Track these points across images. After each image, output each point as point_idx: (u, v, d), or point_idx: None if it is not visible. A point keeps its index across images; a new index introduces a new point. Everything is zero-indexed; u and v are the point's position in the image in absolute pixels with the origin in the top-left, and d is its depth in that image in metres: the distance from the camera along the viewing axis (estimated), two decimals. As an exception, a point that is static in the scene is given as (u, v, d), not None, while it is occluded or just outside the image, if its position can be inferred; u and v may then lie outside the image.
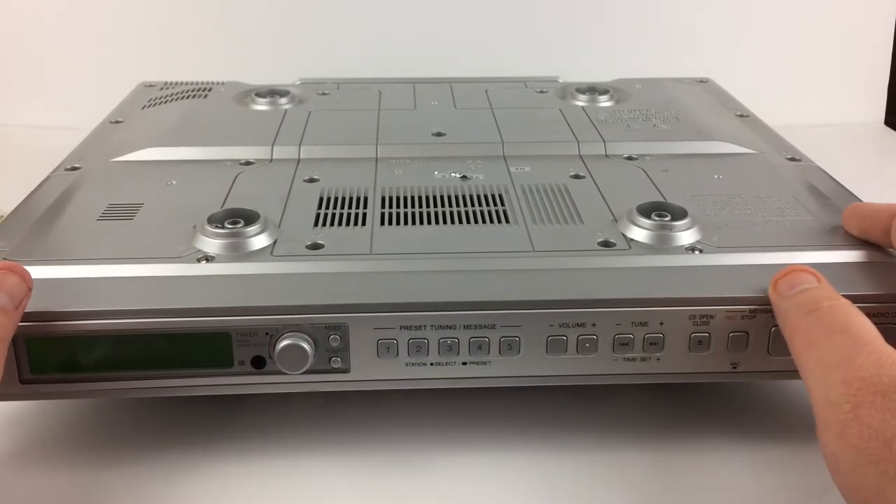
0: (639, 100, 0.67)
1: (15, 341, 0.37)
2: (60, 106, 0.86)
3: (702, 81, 0.75)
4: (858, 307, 0.34)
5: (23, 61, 0.87)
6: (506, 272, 0.40)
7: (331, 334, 0.38)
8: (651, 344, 0.39)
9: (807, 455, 0.41)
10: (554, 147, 0.57)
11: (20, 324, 0.36)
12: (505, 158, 0.55)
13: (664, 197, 0.48)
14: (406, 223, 0.45)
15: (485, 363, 0.39)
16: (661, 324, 0.39)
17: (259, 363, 0.38)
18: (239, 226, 0.42)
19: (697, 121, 0.62)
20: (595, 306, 0.38)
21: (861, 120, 0.91)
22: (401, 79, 0.73)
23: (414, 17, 0.87)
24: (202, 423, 0.43)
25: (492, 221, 0.46)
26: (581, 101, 0.66)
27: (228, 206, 0.46)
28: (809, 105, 0.89)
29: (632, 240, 0.43)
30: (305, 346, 0.38)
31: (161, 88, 0.71)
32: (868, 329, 0.32)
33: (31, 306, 0.37)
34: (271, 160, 0.55)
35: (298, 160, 0.55)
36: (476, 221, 0.46)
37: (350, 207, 0.47)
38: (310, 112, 0.63)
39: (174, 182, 0.51)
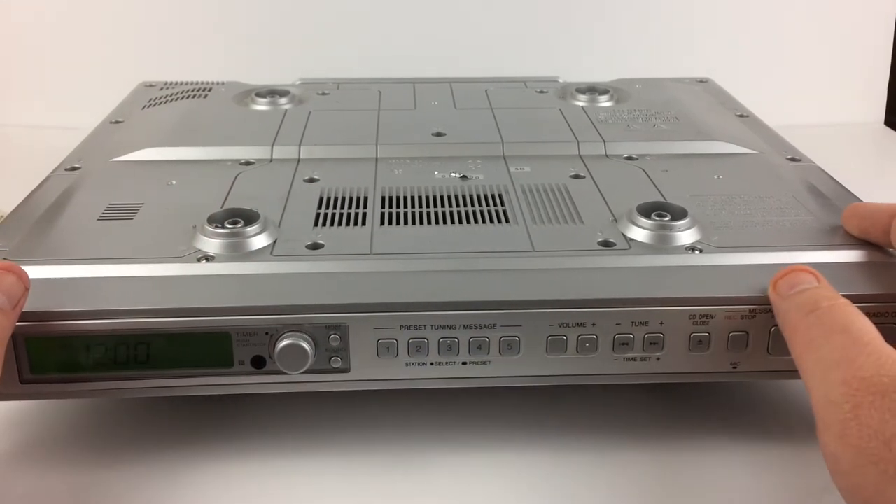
0: (639, 100, 0.67)
1: (15, 341, 0.37)
2: (60, 106, 0.86)
3: (702, 81, 0.75)
4: (858, 307, 0.34)
5: (23, 61, 0.87)
6: (506, 272, 0.40)
7: (331, 334, 0.38)
8: (651, 344, 0.39)
9: (807, 455, 0.41)
10: (554, 147, 0.57)
11: (20, 323, 0.36)
12: (505, 158, 0.55)
13: (664, 197, 0.48)
14: (406, 223, 0.45)
15: (485, 363, 0.39)
16: (661, 324, 0.39)
17: (259, 363, 0.38)
18: (239, 226, 0.42)
19: (697, 121, 0.62)
20: (595, 306, 0.38)
21: (861, 120, 0.91)
22: (401, 79, 0.73)
23: (414, 17, 0.87)
24: (202, 423, 0.43)
25: (492, 221, 0.46)
26: (581, 101, 0.66)
27: (228, 205, 0.46)
28: (809, 105, 0.89)
29: (632, 240, 0.43)
30: (305, 345, 0.38)
31: (161, 88, 0.71)
32: (868, 329, 0.32)
33: (31, 306, 0.37)
34: (271, 160, 0.55)
35: (298, 160, 0.55)
36: (476, 221, 0.46)
37: (350, 207, 0.47)
38: (310, 112, 0.63)
39: (174, 182, 0.51)
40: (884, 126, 0.92)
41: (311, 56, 0.86)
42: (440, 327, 0.38)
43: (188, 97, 0.68)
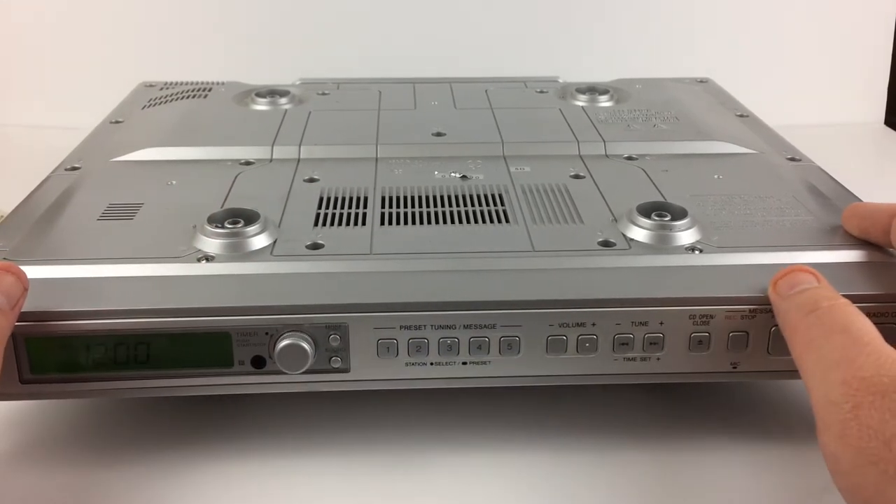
0: (639, 100, 0.67)
1: (15, 341, 0.37)
2: (60, 106, 0.86)
3: (702, 81, 0.75)
4: (858, 307, 0.34)
5: (23, 61, 0.87)
6: (506, 272, 0.40)
7: (331, 334, 0.38)
8: (651, 344, 0.39)
9: (807, 455, 0.41)
10: (554, 147, 0.57)
11: (21, 323, 0.36)
12: (505, 158, 0.55)
13: (664, 197, 0.48)
14: (406, 223, 0.45)
15: (485, 363, 0.39)
16: (661, 323, 0.39)
17: (259, 363, 0.38)
18: (239, 226, 0.42)
19: (697, 121, 0.62)
20: (595, 306, 0.38)
21: (861, 120, 0.91)
22: (401, 79, 0.73)
23: (414, 17, 0.87)
24: (202, 423, 0.43)
25: (492, 221, 0.46)
26: (581, 101, 0.66)
27: (228, 205, 0.46)
28: (809, 105, 0.89)
29: (632, 239, 0.43)
30: (305, 345, 0.38)
31: (161, 88, 0.71)
32: (868, 329, 0.32)
33: (32, 306, 0.37)
34: (271, 160, 0.55)
35: (298, 160, 0.55)
36: (476, 221, 0.46)
37: (350, 207, 0.47)
38: (310, 112, 0.63)
39: (174, 182, 0.51)
40: (884, 126, 0.92)
41: (311, 56, 0.86)
42: (440, 327, 0.38)
43: (188, 97, 0.68)
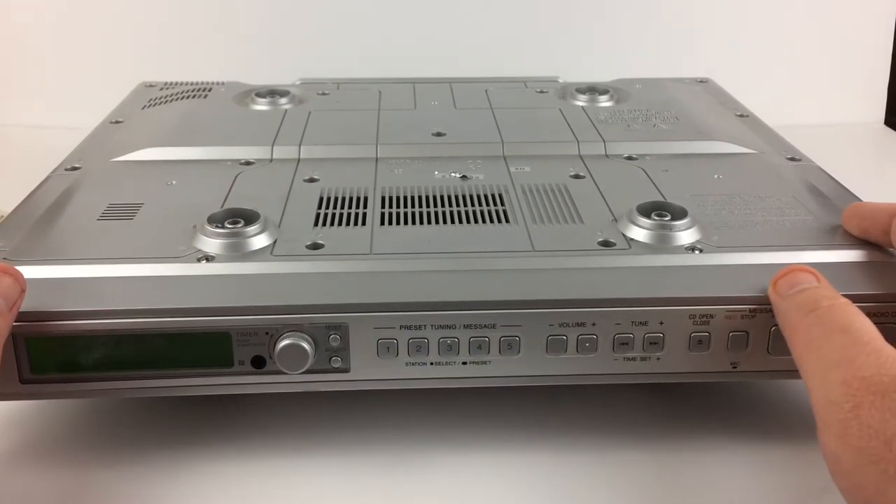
0: (639, 100, 0.67)
1: (15, 341, 0.37)
2: (60, 106, 0.86)
3: (702, 81, 0.75)
4: (858, 307, 0.34)
5: (23, 61, 0.87)
6: (506, 272, 0.40)
7: (331, 334, 0.38)
8: (651, 343, 0.39)
9: (807, 455, 0.41)
10: (554, 147, 0.57)
11: (21, 323, 0.36)
12: (505, 158, 0.55)
13: (664, 197, 0.48)
14: (406, 223, 0.45)
15: (485, 363, 0.39)
16: (661, 323, 0.39)
17: (259, 363, 0.38)
18: (239, 226, 0.42)
19: (697, 121, 0.62)
20: (595, 306, 0.38)
21: (861, 120, 0.91)
22: (401, 79, 0.73)
23: (414, 17, 0.87)
24: (202, 423, 0.43)
25: (492, 221, 0.46)
26: (581, 101, 0.66)
27: (228, 205, 0.46)
28: (809, 105, 0.89)
29: (632, 239, 0.43)
30: (305, 345, 0.38)
31: (161, 88, 0.71)
32: (868, 329, 0.32)
33: (32, 306, 0.37)
34: (271, 160, 0.55)
35: (298, 160, 0.55)
36: (476, 221, 0.46)
37: (350, 207, 0.47)
38: (310, 112, 0.63)
39: (174, 182, 0.51)
40: (884, 126, 0.92)
41: (311, 56, 0.86)
42: (440, 327, 0.38)
43: (188, 97, 0.68)
